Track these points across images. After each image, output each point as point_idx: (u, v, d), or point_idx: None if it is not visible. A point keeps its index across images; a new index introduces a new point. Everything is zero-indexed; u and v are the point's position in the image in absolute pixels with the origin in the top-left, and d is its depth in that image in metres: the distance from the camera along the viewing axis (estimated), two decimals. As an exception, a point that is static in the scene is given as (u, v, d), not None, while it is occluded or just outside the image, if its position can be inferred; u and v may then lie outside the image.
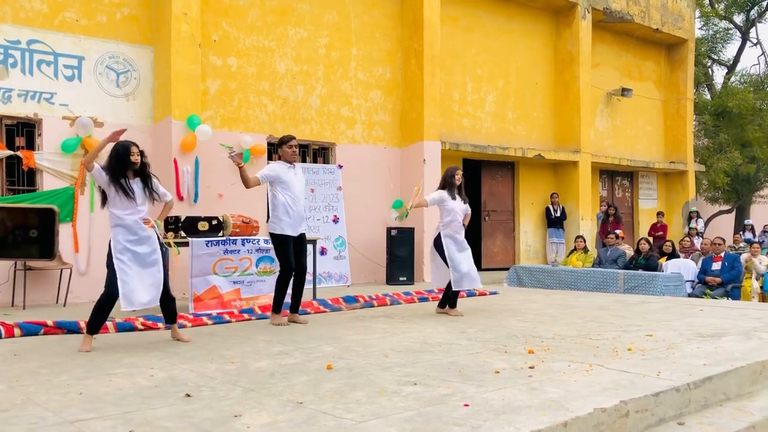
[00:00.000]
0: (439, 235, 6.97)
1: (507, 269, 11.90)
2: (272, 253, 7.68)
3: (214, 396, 3.60)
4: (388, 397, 3.51)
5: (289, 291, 6.44)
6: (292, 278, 6.37)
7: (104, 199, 5.17)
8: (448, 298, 7.02)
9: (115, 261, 5.06)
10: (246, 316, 6.83)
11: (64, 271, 8.33)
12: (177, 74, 8.98)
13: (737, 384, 4.08)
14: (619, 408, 3.32)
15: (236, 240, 7.39)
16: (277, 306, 6.40)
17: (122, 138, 5.23)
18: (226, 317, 6.69)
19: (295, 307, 6.52)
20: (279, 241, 6.29)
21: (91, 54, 8.87)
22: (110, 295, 5.07)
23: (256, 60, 10.13)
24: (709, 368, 4.08)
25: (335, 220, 10.77)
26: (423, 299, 8.37)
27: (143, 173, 5.25)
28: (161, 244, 5.37)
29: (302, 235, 6.43)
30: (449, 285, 6.90)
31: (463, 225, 7.04)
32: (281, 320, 6.37)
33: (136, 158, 5.16)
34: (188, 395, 3.61)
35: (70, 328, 5.87)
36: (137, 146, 5.25)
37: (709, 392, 3.84)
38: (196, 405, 3.42)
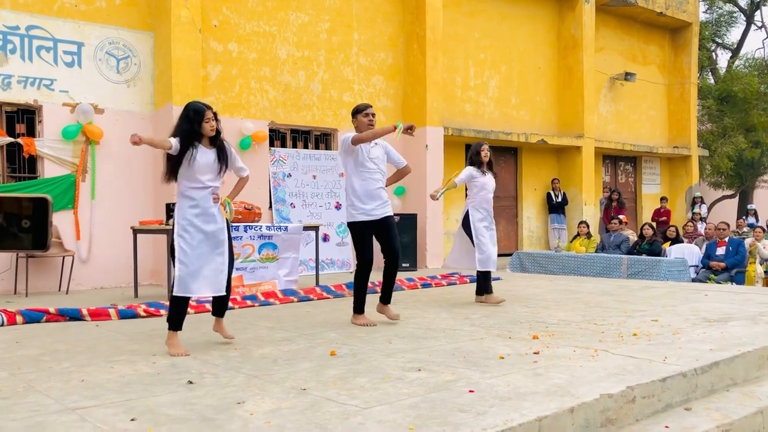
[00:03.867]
0: (467, 213, 6.71)
1: (510, 255, 11.87)
2: (275, 240, 7.67)
3: (217, 383, 3.57)
4: (392, 383, 3.48)
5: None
6: (380, 267, 5.59)
7: (170, 171, 4.42)
8: (483, 285, 6.77)
9: (176, 238, 4.39)
10: (249, 302, 6.80)
11: (66, 258, 8.31)
12: (177, 60, 8.91)
13: (744, 369, 4.04)
14: (626, 393, 3.29)
15: (238, 226, 7.35)
16: (357, 304, 5.52)
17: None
18: (229, 304, 6.63)
19: (386, 297, 5.60)
20: (352, 229, 5.47)
21: (91, 40, 8.80)
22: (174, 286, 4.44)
23: (257, 45, 10.04)
24: (715, 353, 4.04)
25: (337, 207, 10.73)
26: (426, 285, 8.34)
27: (218, 142, 4.54)
28: (229, 228, 4.66)
29: (387, 218, 5.46)
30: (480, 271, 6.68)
31: None
32: (365, 321, 5.44)
33: (212, 124, 4.44)
34: (191, 382, 3.58)
35: (72, 316, 5.85)
36: (212, 110, 4.50)
37: (716, 377, 3.81)
38: (199, 392, 3.39)
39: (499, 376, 3.59)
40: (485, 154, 6.72)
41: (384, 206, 5.44)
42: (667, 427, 3.26)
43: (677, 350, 4.17)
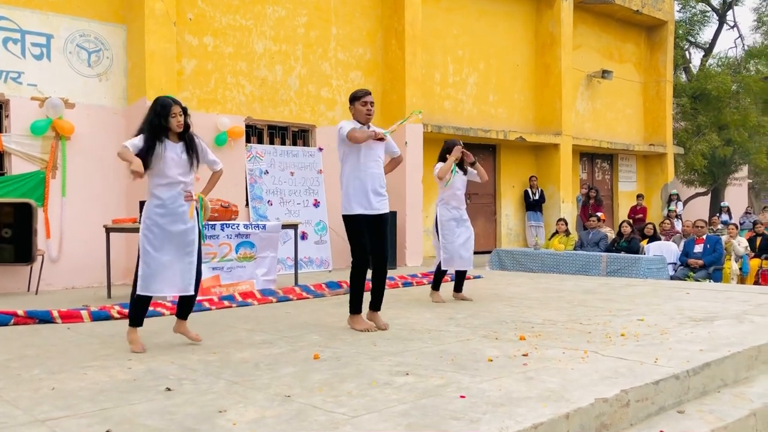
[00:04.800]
0: (437, 212, 6.66)
1: (489, 252, 11.82)
2: (253, 238, 7.50)
3: (197, 390, 3.41)
4: (380, 388, 3.36)
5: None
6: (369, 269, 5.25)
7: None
8: (458, 282, 6.77)
9: (141, 237, 4.37)
10: (226, 303, 6.63)
11: (36, 257, 8.02)
12: (151, 54, 8.66)
13: (734, 370, 4.00)
14: (620, 397, 3.21)
15: (215, 225, 7.16)
16: (354, 305, 5.19)
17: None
18: (206, 305, 6.47)
19: (376, 304, 5.27)
20: (349, 222, 5.16)
21: (61, 32, 8.51)
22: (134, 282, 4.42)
23: (233, 39, 9.82)
24: (706, 354, 3.99)
25: (316, 204, 10.57)
26: (407, 284, 8.23)
27: (186, 136, 4.46)
28: (200, 227, 4.55)
29: (384, 216, 5.21)
30: (439, 266, 6.69)
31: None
32: (365, 326, 5.11)
33: (179, 120, 4.37)
34: (169, 389, 3.42)
35: (42, 318, 5.62)
36: (180, 104, 4.43)
37: (707, 379, 3.75)
38: (178, 399, 3.23)
39: (489, 380, 3.49)
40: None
41: (382, 201, 5.21)
42: (662, 431, 3.19)
43: (667, 351, 4.11)
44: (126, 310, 5.91)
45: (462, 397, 3.17)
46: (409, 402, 3.11)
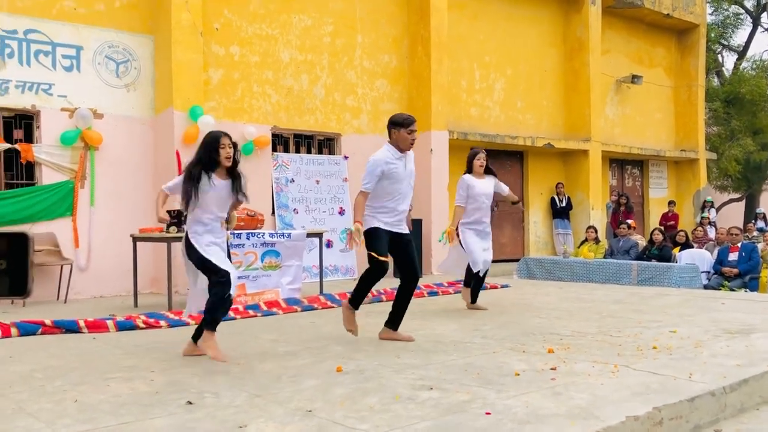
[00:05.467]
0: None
1: (517, 261, 11.66)
2: (278, 247, 7.48)
3: (218, 403, 3.37)
4: (403, 404, 3.28)
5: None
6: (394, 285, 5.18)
7: (185, 201, 4.39)
8: (475, 291, 6.73)
9: (205, 256, 4.37)
10: (251, 312, 6.61)
11: (65, 266, 8.11)
12: (178, 64, 8.73)
13: (773, 386, 3.84)
14: (653, 415, 3.09)
15: (240, 234, 7.16)
16: (355, 299, 5.07)
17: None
18: (231, 314, 6.42)
19: (394, 322, 5.15)
20: (370, 232, 4.93)
21: (90, 43, 8.62)
22: (224, 283, 4.33)
23: (260, 49, 9.86)
24: (743, 369, 3.84)
25: (341, 212, 10.54)
26: (433, 293, 8.13)
27: (234, 172, 4.50)
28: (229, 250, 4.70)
29: (404, 235, 5.07)
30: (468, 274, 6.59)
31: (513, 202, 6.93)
32: (352, 325, 5.04)
33: (227, 151, 4.39)
34: (190, 402, 3.39)
35: (69, 328, 5.65)
36: (229, 137, 4.44)
37: (745, 395, 3.60)
38: (198, 413, 3.20)
39: (516, 395, 3.39)
40: (480, 164, 6.52)
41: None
42: (697, 451, 3.06)
43: (702, 365, 3.96)
44: (151, 320, 5.95)
45: (487, 413, 3.08)
46: (433, 418, 3.03)
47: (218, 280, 4.35)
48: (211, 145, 4.39)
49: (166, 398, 3.49)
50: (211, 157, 4.38)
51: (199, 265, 4.45)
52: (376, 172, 4.85)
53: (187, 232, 4.49)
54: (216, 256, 4.41)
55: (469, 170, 6.59)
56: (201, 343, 4.40)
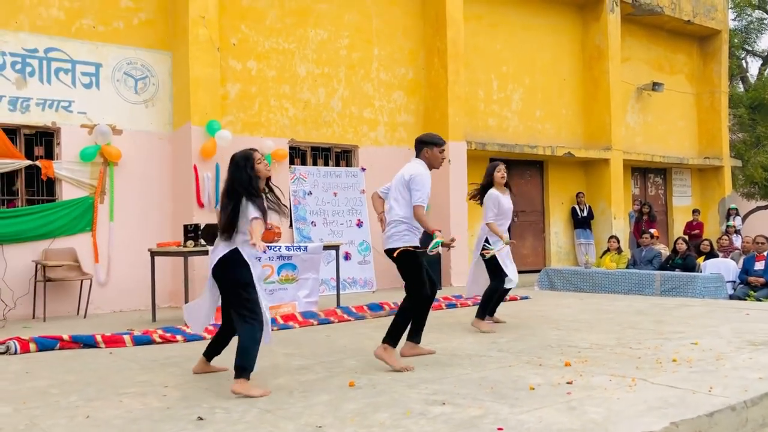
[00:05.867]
0: (485, 238, 6.29)
1: (538, 271, 11.53)
2: (294, 260, 7.48)
3: (228, 419, 3.36)
4: (414, 419, 3.24)
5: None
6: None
7: (230, 225, 4.11)
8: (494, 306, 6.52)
9: (252, 292, 4.11)
10: (268, 326, 6.59)
11: (84, 281, 8.19)
12: (196, 79, 8.81)
13: (797, 399, 3.72)
14: (669, 430, 3.01)
15: (257, 247, 7.16)
16: (393, 336, 4.69)
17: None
18: (247, 328, 6.45)
19: (417, 333, 5.03)
20: (413, 257, 4.92)
21: (109, 60, 8.74)
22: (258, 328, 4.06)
23: (276, 63, 9.93)
24: (766, 383, 3.73)
25: (359, 224, 10.53)
26: (451, 305, 8.07)
27: (269, 185, 4.33)
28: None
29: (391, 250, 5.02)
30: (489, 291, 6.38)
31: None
32: (402, 364, 4.53)
33: (265, 163, 4.21)
34: (200, 418, 3.38)
35: (86, 343, 5.69)
36: (257, 151, 4.23)
37: (767, 410, 3.50)
38: (208, 430, 3.18)
39: (530, 410, 3.32)
40: (502, 175, 6.42)
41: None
42: (717, 468, 2.97)
43: (723, 379, 3.86)
44: (168, 335, 5.97)
45: (499, 429, 3.03)
46: (443, 434, 2.98)
47: (254, 318, 4.01)
48: (245, 166, 4.12)
49: (178, 413, 3.48)
50: (249, 177, 4.10)
51: (236, 289, 4.08)
52: (429, 187, 4.87)
53: (239, 250, 4.14)
54: (262, 295, 4.14)
55: (489, 183, 6.47)
56: (237, 387, 3.87)
